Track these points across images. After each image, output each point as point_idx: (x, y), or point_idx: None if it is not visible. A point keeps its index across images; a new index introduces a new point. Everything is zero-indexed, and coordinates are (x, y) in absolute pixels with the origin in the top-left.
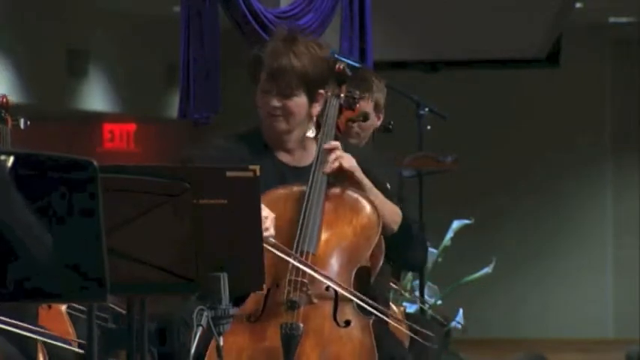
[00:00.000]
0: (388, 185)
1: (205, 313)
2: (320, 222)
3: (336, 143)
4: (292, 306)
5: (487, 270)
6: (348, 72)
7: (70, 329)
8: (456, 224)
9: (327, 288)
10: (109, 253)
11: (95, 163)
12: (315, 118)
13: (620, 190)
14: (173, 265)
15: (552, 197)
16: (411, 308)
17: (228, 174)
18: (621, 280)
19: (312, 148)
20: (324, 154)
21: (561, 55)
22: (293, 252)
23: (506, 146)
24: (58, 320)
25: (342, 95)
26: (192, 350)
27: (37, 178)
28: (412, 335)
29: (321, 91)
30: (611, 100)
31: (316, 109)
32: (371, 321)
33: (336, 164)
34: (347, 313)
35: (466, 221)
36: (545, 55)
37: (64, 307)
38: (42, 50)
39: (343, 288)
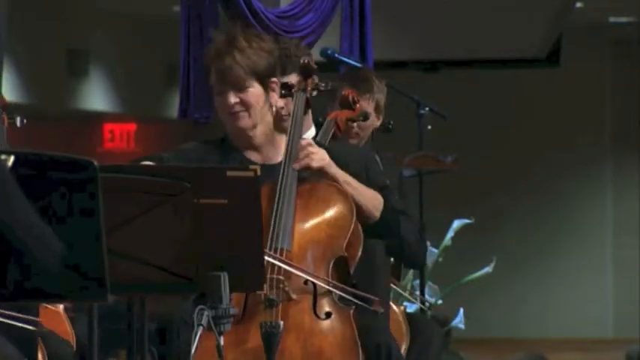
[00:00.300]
0: (388, 182)
1: (206, 313)
2: (292, 218)
3: (308, 140)
4: (271, 304)
5: (487, 270)
6: (314, 65)
7: (69, 329)
8: (457, 224)
9: (305, 282)
10: (109, 253)
11: (95, 162)
12: (276, 112)
13: (620, 190)
14: (173, 265)
15: (552, 197)
16: (411, 308)
17: (229, 173)
18: (621, 280)
19: (282, 144)
20: (295, 150)
21: (561, 55)
22: (267, 250)
23: (506, 146)
24: (56, 320)
25: (308, 89)
26: (193, 350)
27: (38, 178)
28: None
29: (274, 79)
30: (611, 100)
31: (274, 98)
32: (352, 311)
33: (305, 162)
34: (327, 305)
35: (467, 221)
36: (545, 55)
37: (61, 306)
38: (42, 50)
39: (320, 280)
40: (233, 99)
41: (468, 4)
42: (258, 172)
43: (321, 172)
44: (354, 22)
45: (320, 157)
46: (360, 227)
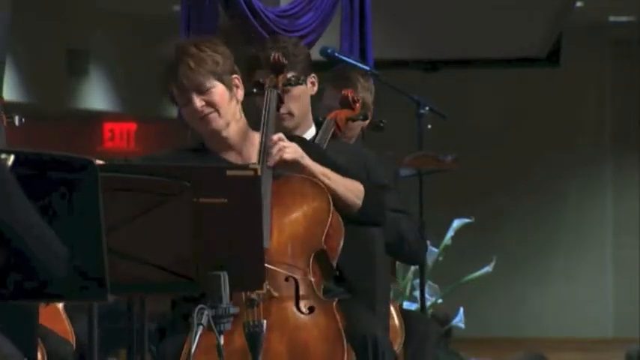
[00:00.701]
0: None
1: (206, 312)
2: (269, 215)
3: (279, 135)
4: (252, 304)
5: (487, 269)
6: (284, 61)
7: (69, 327)
8: (457, 223)
9: (287, 279)
10: (109, 253)
11: (95, 162)
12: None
13: (620, 190)
14: (173, 264)
15: (552, 197)
16: (412, 307)
17: (229, 173)
18: (621, 280)
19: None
20: (268, 146)
21: (561, 55)
22: None
23: (506, 146)
24: (56, 318)
25: (279, 85)
26: (193, 350)
27: (38, 177)
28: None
29: (235, 76)
30: (611, 100)
31: (240, 93)
32: (334, 303)
33: (278, 157)
34: (309, 299)
35: (467, 220)
36: (546, 55)
37: (61, 305)
38: (42, 50)
39: (302, 276)
40: (199, 103)
41: (468, 4)
42: (259, 172)
43: (296, 166)
44: (354, 22)
45: (293, 150)
46: (339, 219)
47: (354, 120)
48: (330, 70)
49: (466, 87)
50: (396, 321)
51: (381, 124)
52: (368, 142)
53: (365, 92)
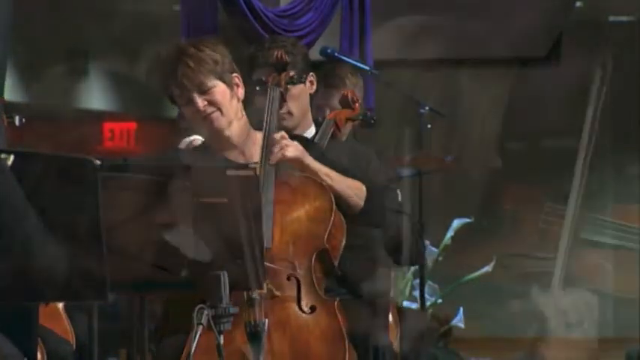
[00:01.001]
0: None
1: (205, 312)
2: (272, 214)
3: (281, 133)
4: (253, 303)
5: (487, 269)
6: (287, 59)
7: (69, 327)
8: (457, 223)
9: (289, 278)
10: (109, 252)
11: (95, 161)
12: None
13: (620, 190)
14: (173, 264)
15: (552, 197)
16: (412, 307)
17: (229, 172)
18: (621, 280)
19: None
20: (270, 144)
21: (561, 55)
22: None
23: (505, 146)
24: (56, 318)
25: (282, 83)
26: (193, 349)
27: (38, 177)
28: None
29: (235, 74)
30: (611, 100)
31: (240, 92)
32: (336, 302)
33: (280, 155)
34: (311, 299)
35: (467, 220)
36: (545, 54)
37: (61, 305)
38: (42, 50)
39: (304, 275)
40: (201, 102)
41: (468, 4)
42: (258, 171)
43: (298, 164)
44: (354, 22)
45: (295, 148)
46: (341, 217)
47: (354, 120)
48: (319, 69)
49: (465, 87)
50: (390, 317)
51: (373, 121)
52: (368, 143)
53: (354, 89)
